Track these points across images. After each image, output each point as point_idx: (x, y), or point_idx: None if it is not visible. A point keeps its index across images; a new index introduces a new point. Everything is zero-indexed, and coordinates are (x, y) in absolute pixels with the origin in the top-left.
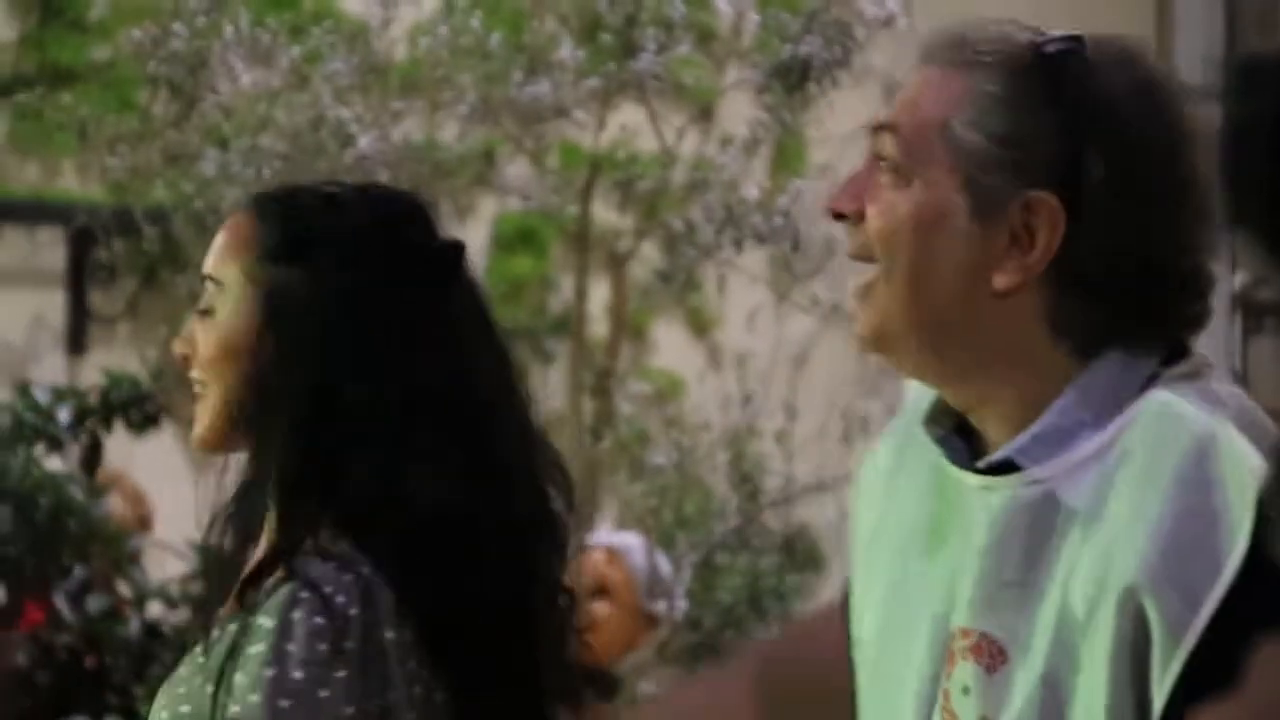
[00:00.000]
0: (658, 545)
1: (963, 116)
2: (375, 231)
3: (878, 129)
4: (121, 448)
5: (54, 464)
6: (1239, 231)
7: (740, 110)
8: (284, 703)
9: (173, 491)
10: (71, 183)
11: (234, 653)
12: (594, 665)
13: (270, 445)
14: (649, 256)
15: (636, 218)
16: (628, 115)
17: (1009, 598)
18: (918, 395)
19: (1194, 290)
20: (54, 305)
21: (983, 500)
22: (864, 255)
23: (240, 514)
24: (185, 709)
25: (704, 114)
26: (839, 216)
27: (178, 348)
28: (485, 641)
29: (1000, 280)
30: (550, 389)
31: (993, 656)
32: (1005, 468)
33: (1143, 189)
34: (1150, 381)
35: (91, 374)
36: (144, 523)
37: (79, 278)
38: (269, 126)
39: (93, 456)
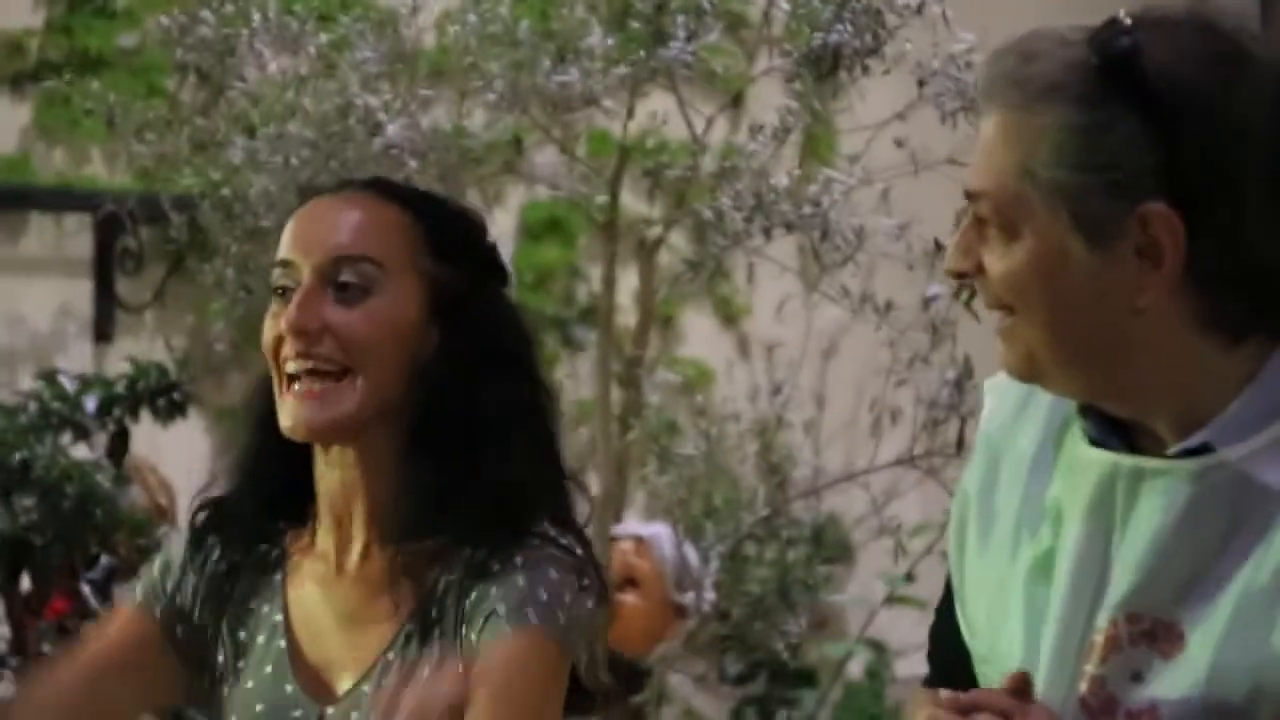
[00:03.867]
0: (686, 536)
1: (1045, 158)
2: (491, 243)
3: (970, 195)
4: (148, 436)
5: (80, 452)
6: None
7: (770, 98)
8: (561, 617)
9: (199, 479)
10: (98, 170)
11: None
12: (622, 656)
13: (465, 439)
14: (678, 245)
15: (665, 206)
16: (657, 103)
17: (1191, 582)
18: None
19: None
20: (81, 293)
21: (1155, 485)
22: (998, 305)
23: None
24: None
25: (734, 102)
26: (960, 275)
27: (306, 323)
28: None
29: (1140, 299)
30: (579, 378)
31: (1170, 642)
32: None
33: (1249, 169)
34: None
35: (118, 362)
36: (163, 512)
37: (106, 265)
38: (297, 114)
39: (119, 445)
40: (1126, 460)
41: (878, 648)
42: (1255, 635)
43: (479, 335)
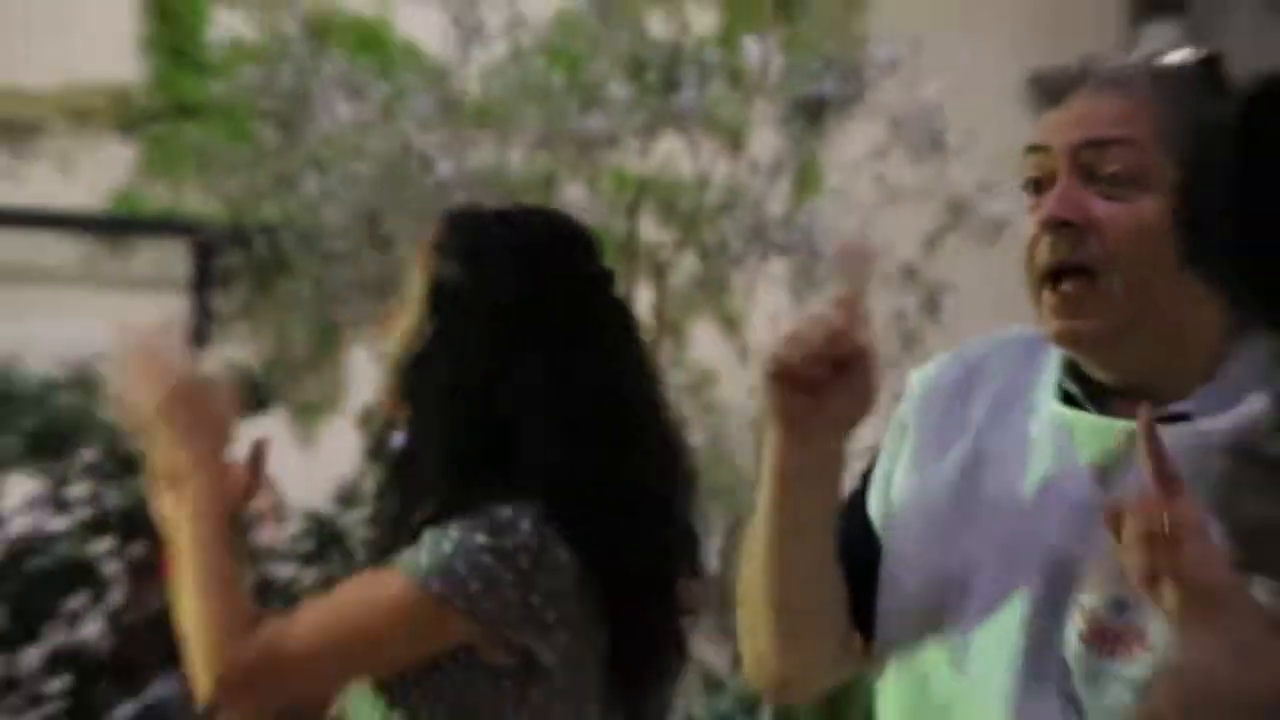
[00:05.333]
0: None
1: (1178, 130)
2: (538, 249)
3: (1098, 144)
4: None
5: None
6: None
7: (767, 140)
8: (461, 567)
9: (280, 463)
10: (194, 202)
11: None
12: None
13: (431, 418)
14: (687, 266)
15: (676, 232)
16: (669, 144)
17: None
18: (987, 349)
19: None
20: (180, 308)
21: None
22: (1085, 263)
23: (403, 479)
24: None
25: (735, 143)
26: (1063, 225)
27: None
28: (639, 583)
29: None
30: None
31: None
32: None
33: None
34: None
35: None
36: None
37: (201, 284)
38: (362, 154)
39: None
40: (1119, 423)
41: None
42: None
43: (473, 327)
